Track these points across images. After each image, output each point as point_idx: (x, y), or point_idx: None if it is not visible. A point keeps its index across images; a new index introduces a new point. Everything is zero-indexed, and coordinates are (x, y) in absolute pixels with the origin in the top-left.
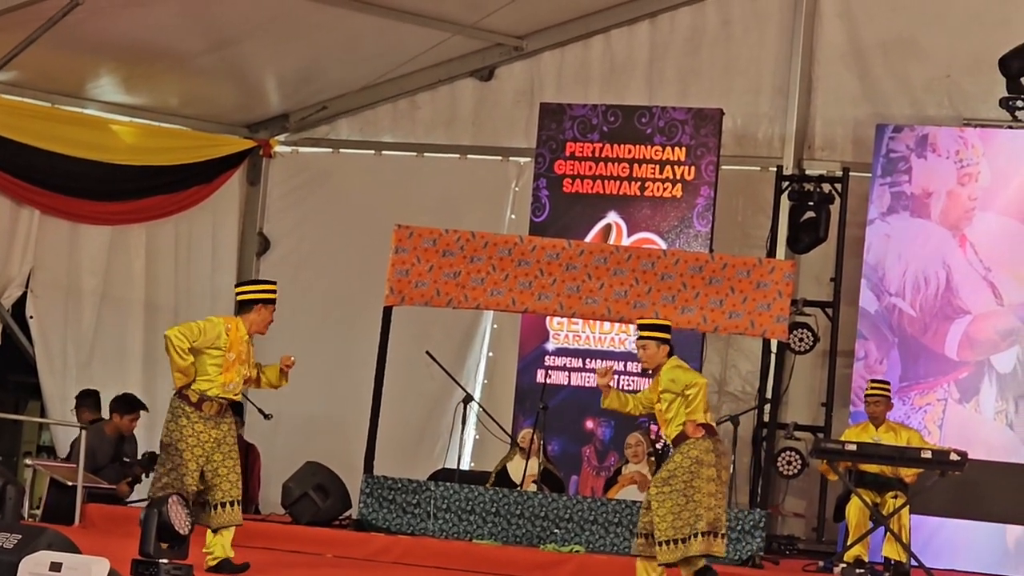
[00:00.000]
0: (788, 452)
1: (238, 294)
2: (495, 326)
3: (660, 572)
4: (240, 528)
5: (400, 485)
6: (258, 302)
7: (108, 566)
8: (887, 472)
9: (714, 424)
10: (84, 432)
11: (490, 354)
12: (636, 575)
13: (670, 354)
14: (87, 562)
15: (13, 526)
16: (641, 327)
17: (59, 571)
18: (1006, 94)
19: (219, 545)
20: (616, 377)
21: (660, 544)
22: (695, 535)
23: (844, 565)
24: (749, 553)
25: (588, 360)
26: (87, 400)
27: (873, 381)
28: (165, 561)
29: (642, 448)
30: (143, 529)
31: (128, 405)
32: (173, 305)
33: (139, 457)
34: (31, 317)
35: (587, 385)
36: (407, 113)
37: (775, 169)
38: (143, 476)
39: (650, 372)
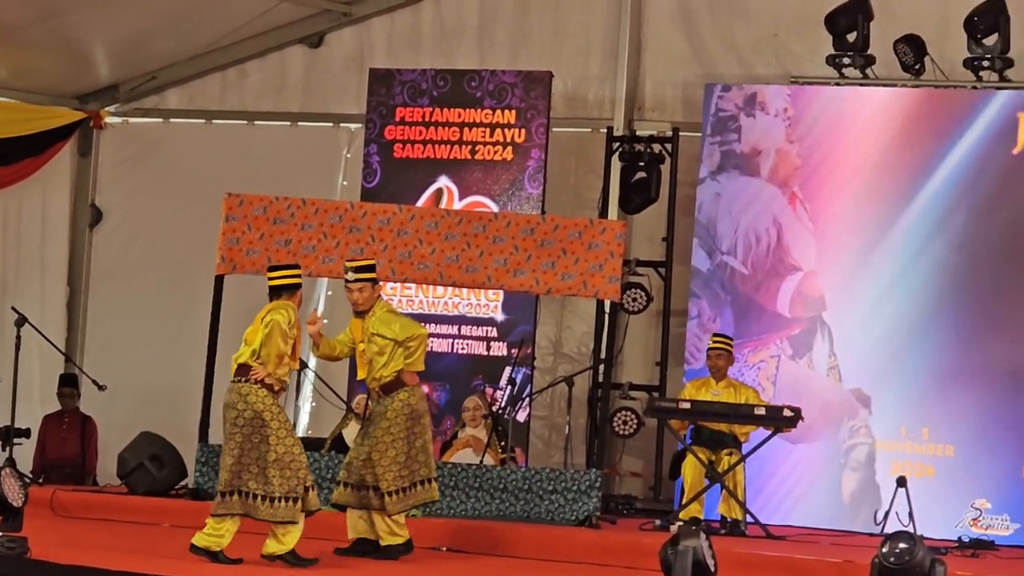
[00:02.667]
0: (624, 412)
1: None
2: (329, 292)
3: (367, 519)
4: (76, 499)
5: None
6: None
7: None
8: (723, 429)
9: None
10: None
11: (325, 321)
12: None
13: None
14: None
15: None
16: (357, 269)
17: None
18: (832, 52)
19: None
20: (451, 340)
21: (388, 495)
22: (420, 482)
23: (680, 523)
24: (586, 513)
25: (423, 324)
26: None
27: (716, 335)
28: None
29: (480, 412)
30: None
31: None
32: (2, 278)
33: None
34: None
35: None
36: (236, 82)
37: (606, 130)
38: None
39: (361, 313)
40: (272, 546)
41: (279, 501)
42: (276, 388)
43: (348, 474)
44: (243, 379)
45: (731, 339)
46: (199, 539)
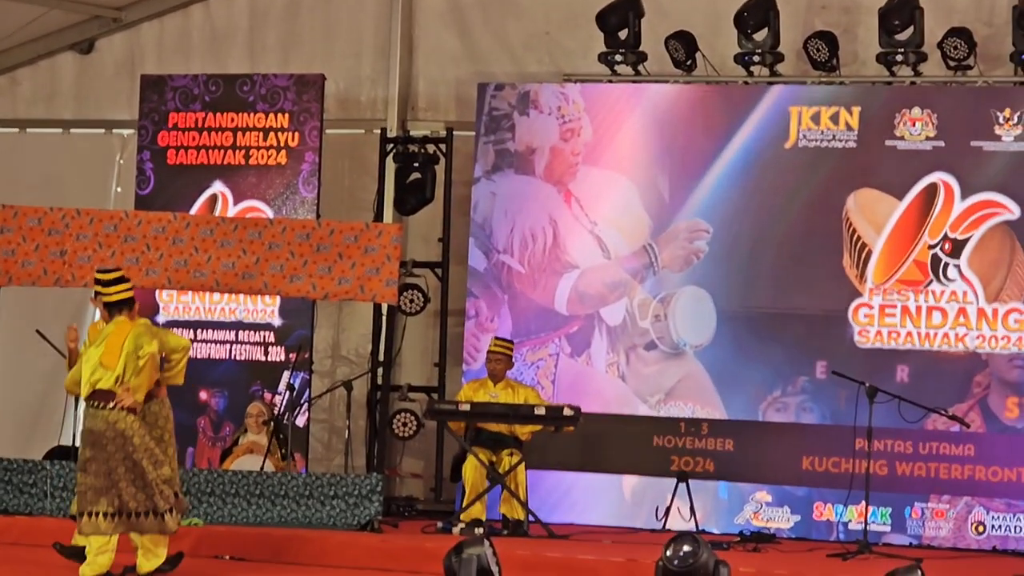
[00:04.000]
0: (403, 414)
1: None
2: None
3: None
4: None
5: (15, 466)
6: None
7: None
8: (503, 430)
9: None
10: None
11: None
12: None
13: None
14: None
15: None
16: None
17: None
18: (604, 49)
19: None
20: (229, 346)
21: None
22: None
23: (463, 525)
24: (367, 518)
25: (200, 331)
26: None
27: (497, 339)
28: None
29: (262, 418)
30: None
31: None
32: None
33: None
34: None
35: (199, 356)
36: (7, 89)
37: (379, 132)
38: None
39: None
40: (149, 563)
41: (165, 515)
42: (137, 411)
43: None
44: (105, 404)
45: (511, 342)
46: (91, 569)
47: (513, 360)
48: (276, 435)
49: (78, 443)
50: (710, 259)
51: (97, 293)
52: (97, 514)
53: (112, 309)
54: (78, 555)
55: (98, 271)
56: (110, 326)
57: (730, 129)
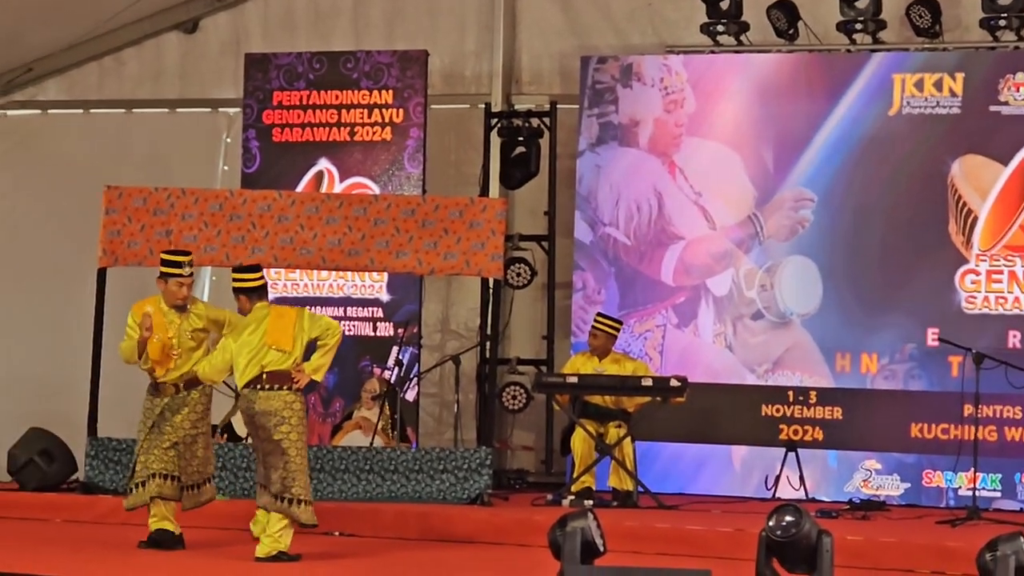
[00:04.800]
0: (513, 387)
1: None
2: (214, 278)
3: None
4: None
5: (124, 446)
6: (160, 276)
7: None
8: (608, 403)
9: None
10: None
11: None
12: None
13: None
14: None
15: None
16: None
17: None
18: (706, 19)
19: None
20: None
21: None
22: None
23: (572, 497)
24: (477, 491)
25: (308, 308)
26: None
27: (599, 315)
28: None
29: (375, 393)
30: None
31: None
32: None
33: None
34: None
35: None
36: (114, 70)
37: (483, 106)
38: None
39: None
40: (268, 546)
41: (308, 504)
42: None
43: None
44: (281, 386)
45: (614, 321)
46: (267, 548)
47: (616, 336)
48: (388, 410)
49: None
50: (815, 228)
51: (235, 281)
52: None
53: (253, 295)
54: (170, 541)
55: (165, 253)
56: (260, 311)
57: (833, 97)
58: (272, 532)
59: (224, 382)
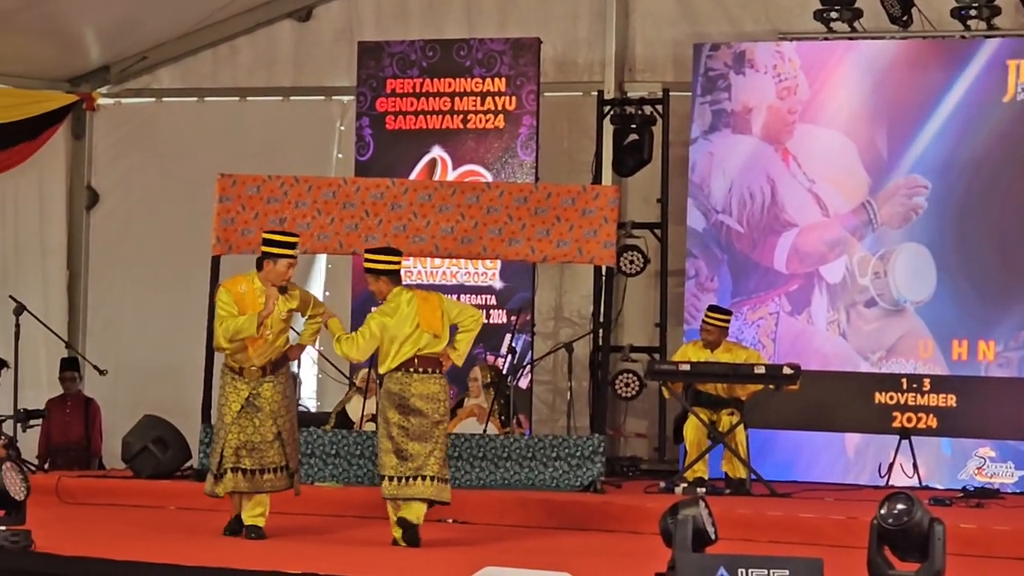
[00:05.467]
0: (625, 374)
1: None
2: (330, 265)
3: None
4: (81, 485)
5: None
6: (267, 256)
7: None
8: (720, 391)
9: None
10: None
11: (327, 293)
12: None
13: None
14: None
15: None
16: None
17: None
18: (820, 6)
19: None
20: None
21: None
22: None
23: (685, 484)
24: (590, 479)
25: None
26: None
27: (710, 309)
28: (2, 528)
29: (484, 380)
30: None
31: None
32: (2, 265)
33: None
34: None
35: None
36: (227, 58)
37: (596, 94)
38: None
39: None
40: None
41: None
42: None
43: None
44: (435, 370)
45: (724, 312)
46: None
47: (727, 328)
48: (497, 398)
49: (310, 407)
50: (929, 215)
51: (373, 262)
52: (395, 479)
53: (392, 278)
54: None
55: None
56: (402, 294)
57: (947, 84)
58: (421, 515)
59: (338, 368)
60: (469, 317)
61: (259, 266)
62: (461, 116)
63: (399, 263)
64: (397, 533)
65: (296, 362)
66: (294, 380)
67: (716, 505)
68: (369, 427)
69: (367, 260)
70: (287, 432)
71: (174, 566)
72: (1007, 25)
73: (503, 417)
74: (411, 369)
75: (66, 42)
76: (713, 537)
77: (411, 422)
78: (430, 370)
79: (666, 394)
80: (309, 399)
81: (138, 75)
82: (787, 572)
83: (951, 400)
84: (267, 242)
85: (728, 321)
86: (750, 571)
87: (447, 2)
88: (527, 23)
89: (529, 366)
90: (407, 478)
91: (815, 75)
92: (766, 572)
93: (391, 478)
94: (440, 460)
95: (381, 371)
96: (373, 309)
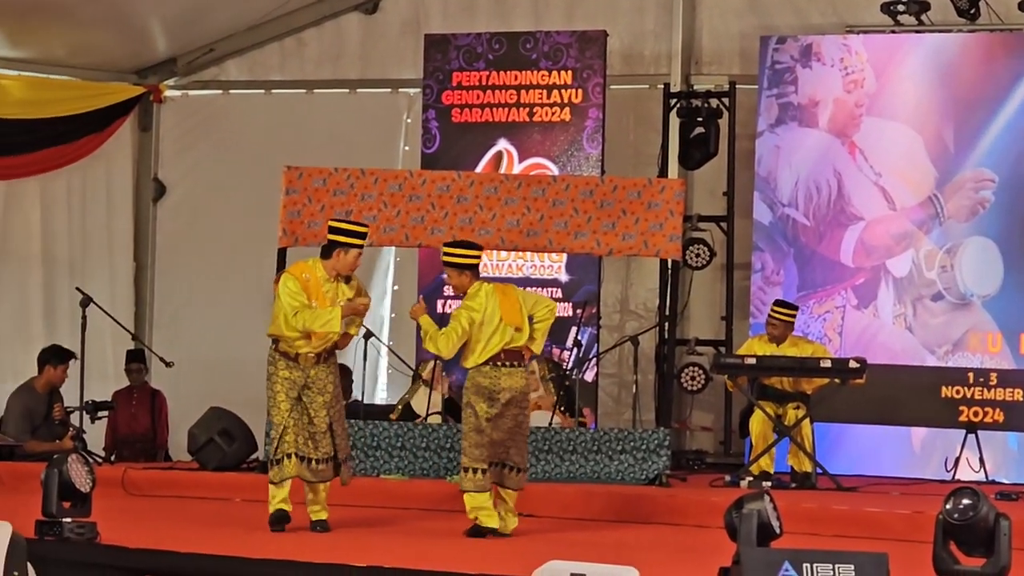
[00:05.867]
0: (691, 368)
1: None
2: (398, 259)
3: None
4: (147, 477)
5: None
6: (337, 245)
7: (10, 530)
8: (787, 385)
9: None
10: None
11: (395, 287)
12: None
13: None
14: None
15: None
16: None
17: None
18: None
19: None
20: None
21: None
22: None
23: (751, 478)
24: (656, 472)
25: None
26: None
27: (776, 304)
28: (68, 520)
29: (541, 374)
30: (45, 489)
31: (61, 355)
32: (69, 256)
33: (76, 407)
34: None
35: None
36: (294, 51)
37: (662, 87)
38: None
39: None
40: (513, 521)
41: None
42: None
43: None
44: (520, 363)
45: (789, 307)
46: (491, 519)
47: (793, 322)
48: (560, 391)
49: (379, 400)
50: (996, 208)
51: (455, 256)
52: (479, 471)
53: (474, 272)
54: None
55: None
56: (483, 288)
57: (1015, 77)
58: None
59: (403, 361)
60: (544, 307)
61: (326, 254)
62: (527, 109)
63: (479, 257)
64: (496, 521)
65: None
66: (345, 371)
67: (781, 499)
68: (434, 420)
69: (448, 255)
70: (337, 422)
71: (239, 559)
72: None
73: (563, 408)
74: (498, 363)
75: (133, 34)
76: (778, 531)
77: (501, 414)
78: (515, 363)
79: (731, 387)
80: (381, 391)
81: (205, 67)
82: (852, 567)
83: (1018, 394)
84: (338, 231)
85: (794, 316)
86: (815, 566)
87: None
88: (593, 15)
89: (594, 359)
90: (499, 467)
91: (882, 68)
92: (831, 567)
93: (482, 470)
94: (524, 452)
95: (467, 365)
96: (438, 303)
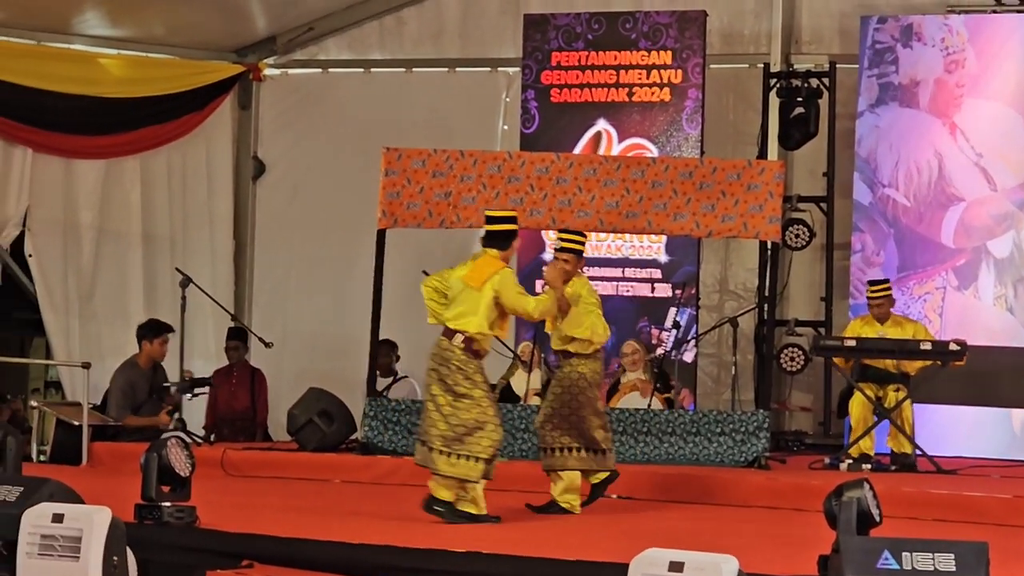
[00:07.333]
0: (791, 348)
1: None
2: None
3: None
4: (246, 458)
5: (404, 406)
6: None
7: (110, 515)
8: (889, 366)
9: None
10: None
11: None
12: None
13: None
14: (89, 512)
15: (14, 478)
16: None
17: (61, 522)
18: None
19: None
20: (616, 283)
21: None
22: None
23: (850, 460)
24: (755, 454)
25: (586, 268)
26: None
27: (871, 284)
28: (168, 504)
29: (639, 356)
30: (144, 473)
31: (157, 329)
32: (170, 235)
33: (176, 382)
34: (30, 255)
35: None
36: (394, 29)
37: (762, 66)
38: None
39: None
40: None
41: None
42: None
43: None
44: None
45: (886, 283)
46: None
47: (891, 297)
48: (654, 372)
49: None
50: None
51: (577, 244)
52: (573, 449)
53: (582, 259)
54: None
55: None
56: (582, 276)
57: None
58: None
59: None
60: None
61: (503, 245)
62: (626, 89)
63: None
64: (576, 501)
65: None
66: None
67: (881, 482)
68: (534, 401)
69: (567, 240)
70: None
71: (339, 543)
72: None
73: (659, 386)
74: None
75: (233, 13)
76: (878, 519)
77: (589, 397)
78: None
79: (839, 364)
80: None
81: (304, 46)
82: (952, 556)
83: None
84: (509, 220)
85: (889, 289)
86: (914, 555)
87: None
88: None
89: (694, 340)
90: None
91: (983, 48)
92: (931, 556)
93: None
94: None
95: (588, 352)
96: (538, 282)
